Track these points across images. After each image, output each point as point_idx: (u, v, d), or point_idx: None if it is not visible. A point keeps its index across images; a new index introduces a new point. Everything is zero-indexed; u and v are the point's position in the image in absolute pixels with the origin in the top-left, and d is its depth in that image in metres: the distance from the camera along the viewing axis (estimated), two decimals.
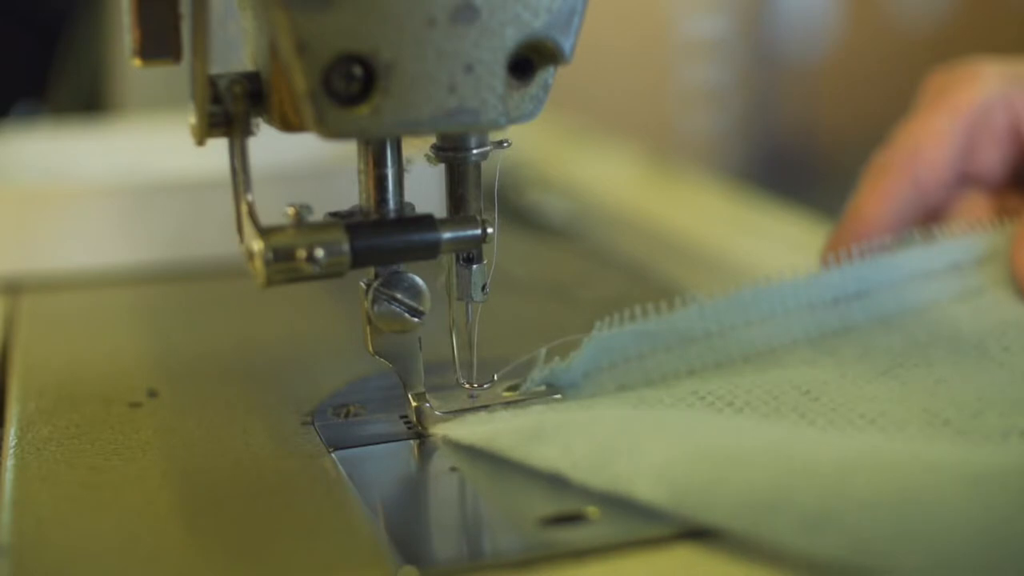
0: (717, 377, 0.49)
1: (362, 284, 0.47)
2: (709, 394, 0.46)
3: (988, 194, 0.59)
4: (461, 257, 0.48)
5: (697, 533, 0.39)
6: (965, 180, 0.59)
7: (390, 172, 0.46)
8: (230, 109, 0.44)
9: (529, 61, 0.44)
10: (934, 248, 0.53)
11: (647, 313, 0.50)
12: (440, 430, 0.47)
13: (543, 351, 0.49)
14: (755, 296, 0.51)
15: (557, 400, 0.48)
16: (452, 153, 0.47)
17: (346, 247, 0.44)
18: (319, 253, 0.43)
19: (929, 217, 0.58)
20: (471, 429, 0.46)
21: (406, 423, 0.48)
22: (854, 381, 0.47)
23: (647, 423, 0.44)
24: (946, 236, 0.54)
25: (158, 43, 0.45)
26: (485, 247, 0.48)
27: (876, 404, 0.45)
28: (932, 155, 0.57)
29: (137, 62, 0.45)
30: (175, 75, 0.48)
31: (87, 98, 1.29)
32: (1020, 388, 0.47)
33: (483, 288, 0.48)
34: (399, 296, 0.46)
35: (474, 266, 0.48)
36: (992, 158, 0.58)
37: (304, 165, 0.74)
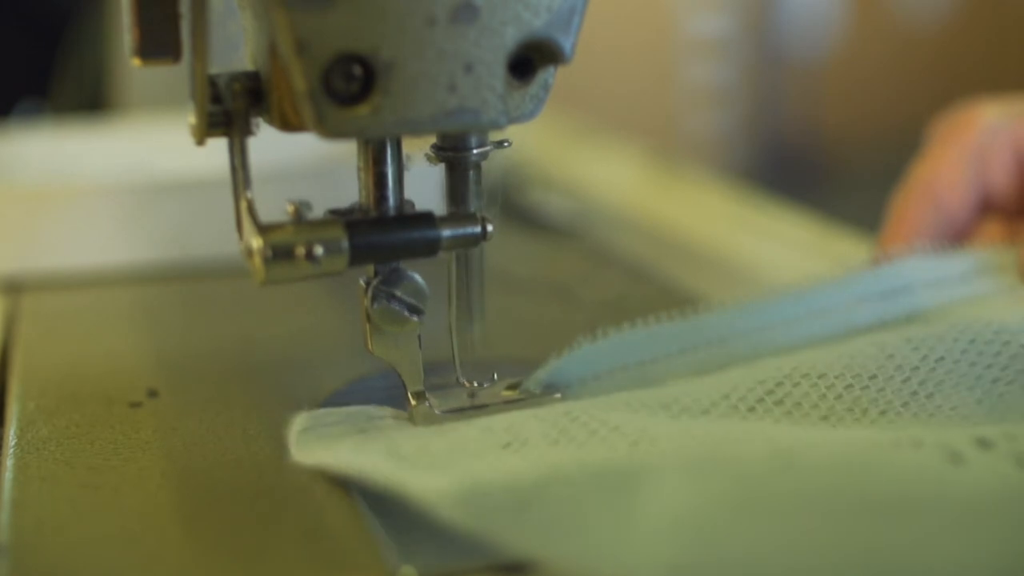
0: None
1: (362, 282, 0.47)
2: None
3: (1003, 222, 0.61)
4: None
5: None
6: (985, 206, 0.60)
7: (390, 169, 0.46)
8: (230, 108, 0.44)
9: (530, 60, 0.44)
10: (927, 262, 0.54)
11: (622, 328, 0.50)
12: (306, 457, 0.44)
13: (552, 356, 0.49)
14: (735, 315, 0.51)
15: (556, 399, 0.48)
16: (452, 153, 0.47)
17: (345, 244, 0.44)
18: (318, 250, 0.43)
19: (955, 242, 0.59)
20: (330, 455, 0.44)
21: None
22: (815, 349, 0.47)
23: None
24: (937, 253, 0.54)
25: (157, 43, 0.45)
26: None
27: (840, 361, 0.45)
28: (949, 179, 0.58)
29: (136, 61, 0.45)
30: (176, 75, 0.48)
31: (89, 98, 1.29)
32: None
33: None
34: (399, 294, 0.46)
35: None
36: (1002, 183, 0.59)
37: (303, 164, 0.74)
